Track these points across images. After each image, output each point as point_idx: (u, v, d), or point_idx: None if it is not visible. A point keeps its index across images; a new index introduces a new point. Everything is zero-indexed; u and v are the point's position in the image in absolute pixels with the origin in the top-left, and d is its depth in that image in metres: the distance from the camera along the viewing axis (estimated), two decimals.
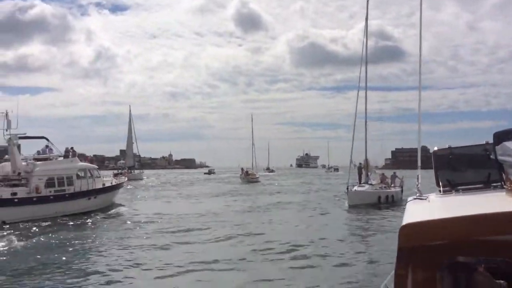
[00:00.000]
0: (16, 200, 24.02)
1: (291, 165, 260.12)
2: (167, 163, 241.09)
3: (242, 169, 79.47)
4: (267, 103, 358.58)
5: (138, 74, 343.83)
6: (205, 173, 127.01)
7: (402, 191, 33.79)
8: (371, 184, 33.33)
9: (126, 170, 71.24)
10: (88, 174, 29.21)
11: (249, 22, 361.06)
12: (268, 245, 16.39)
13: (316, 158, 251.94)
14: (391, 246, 13.92)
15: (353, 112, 33.69)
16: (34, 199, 24.91)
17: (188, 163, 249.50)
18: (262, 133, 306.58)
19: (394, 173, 37.53)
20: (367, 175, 34.83)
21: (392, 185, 34.71)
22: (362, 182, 34.23)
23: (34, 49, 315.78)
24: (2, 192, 23.85)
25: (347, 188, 31.31)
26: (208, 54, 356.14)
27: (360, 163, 36.01)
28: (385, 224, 22.18)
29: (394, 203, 31.21)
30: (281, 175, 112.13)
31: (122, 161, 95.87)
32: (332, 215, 27.38)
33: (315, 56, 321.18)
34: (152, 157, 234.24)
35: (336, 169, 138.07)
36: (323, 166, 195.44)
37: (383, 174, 36.79)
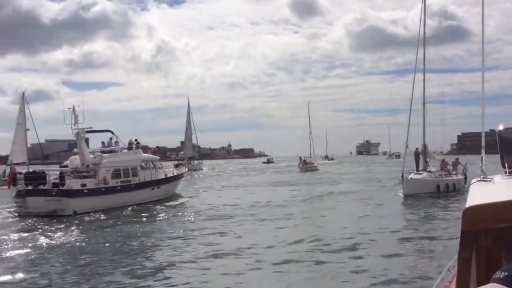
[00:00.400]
0: (86, 191, 25.19)
1: (350, 153, 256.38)
2: (226, 153, 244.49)
3: (300, 158, 79.43)
4: (325, 90, 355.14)
5: (196, 66, 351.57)
6: (263, 162, 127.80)
7: (465, 178, 31.27)
8: (429, 172, 31.26)
9: (186, 161, 72.98)
10: (151, 165, 30.21)
11: (305, 8, 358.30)
12: (320, 238, 16.15)
13: (377, 144, 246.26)
14: (451, 239, 13.33)
15: (416, 96, 32.44)
16: (103, 189, 26.06)
17: (247, 153, 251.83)
18: (320, 121, 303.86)
19: (457, 159, 35.11)
20: (425, 162, 32.45)
21: (454, 172, 32.62)
22: (420, 169, 32.07)
23: (98, 45, 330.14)
24: (73, 183, 25.01)
25: (402, 176, 29.43)
26: (265, 43, 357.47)
27: (417, 149, 33.68)
28: (443, 215, 20.98)
29: (456, 192, 29.31)
30: (340, 163, 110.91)
31: (182, 152, 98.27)
32: (387, 206, 25.75)
33: (374, 40, 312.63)
34: (212, 147, 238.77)
35: (398, 156, 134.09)
36: (384, 153, 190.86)
37: (443, 160, 34.24)
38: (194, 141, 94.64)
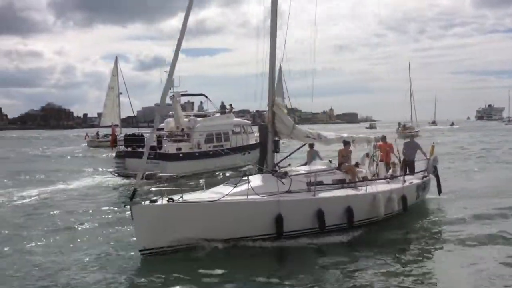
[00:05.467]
0: (181, 155, 25.68)
1: (468, 118, 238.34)
2: (328, 117, 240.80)
3: (399, 123, 75.19)
4: (441, 51, 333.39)
5: (304, 29, 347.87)
6: (366, 128, 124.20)
7: (438, 182, 16.43)
8: (280, 173, 12.59)
9: None
10: (242, 130, 30.02)
11: None
12: None
13: (501, 109, 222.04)
14: None
15: None
16: (196, 154, 26.40)
17: (350, 117, 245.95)
18: (436, 84, 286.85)
19: (412, 138, 18.64)
20: (274, 150, 13.62)
21: (400, 165, 16.03)
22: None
23: (211, 12, 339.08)
24: (169, 147, 25.51)
25: (132, 195, 10.30)
26: (376, 1, 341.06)
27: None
28: None
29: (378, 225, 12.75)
30: (451, 130, 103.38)
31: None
32: None
33: None
34: (313, 111, 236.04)
35: None
36: (503, 119, 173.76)
37: (346, 145, 14.47)
38: (290, 106, 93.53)
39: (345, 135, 15.47)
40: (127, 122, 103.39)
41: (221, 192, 11.38)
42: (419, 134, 70.05)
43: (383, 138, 16.45)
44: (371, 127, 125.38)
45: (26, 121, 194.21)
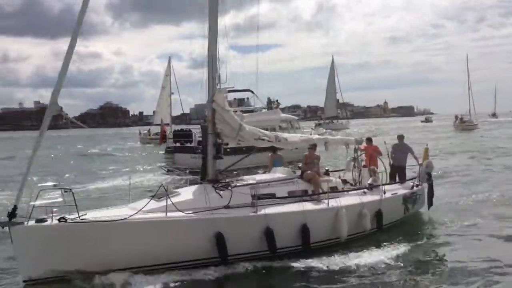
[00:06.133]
0: (228, 150, 25.77)
1: None
2: (382, 111, 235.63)
3: (456, 116, 72.51)
4: (501, 40, 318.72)
5: (357, 21, 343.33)
6: (421, 121, 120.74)
7: (430, 192, 13.31)
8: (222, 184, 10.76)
9: (324, 121, 71.24)
10: (289, 126, 29.83)
11: None
12: None
13: None
14: None
15: None
16: (244, 149, 26.51)
17: (405, 111, 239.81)
18: (497, 74, 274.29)
19: (400, 137, 14.47)
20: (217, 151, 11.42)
21: (371, 178, 12.77)
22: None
23: (262, 8, 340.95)
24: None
25: (11, 215, 8.18)
26: None
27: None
28: None
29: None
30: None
31: (338, 111, 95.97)
32: None
33: None
34: (366, 105, 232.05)
35: None
36: None
37: (311, 148, 12.38)
38: (343, 100, 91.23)
39: (315, 136, 13.28)
40: (181, 119, 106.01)
41: (137, 208, 9.27)
42: (478, 127, 67.33)
43: (368, 140, 14.23)
44: (427, 120, 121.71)
45: (86, 120, 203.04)
